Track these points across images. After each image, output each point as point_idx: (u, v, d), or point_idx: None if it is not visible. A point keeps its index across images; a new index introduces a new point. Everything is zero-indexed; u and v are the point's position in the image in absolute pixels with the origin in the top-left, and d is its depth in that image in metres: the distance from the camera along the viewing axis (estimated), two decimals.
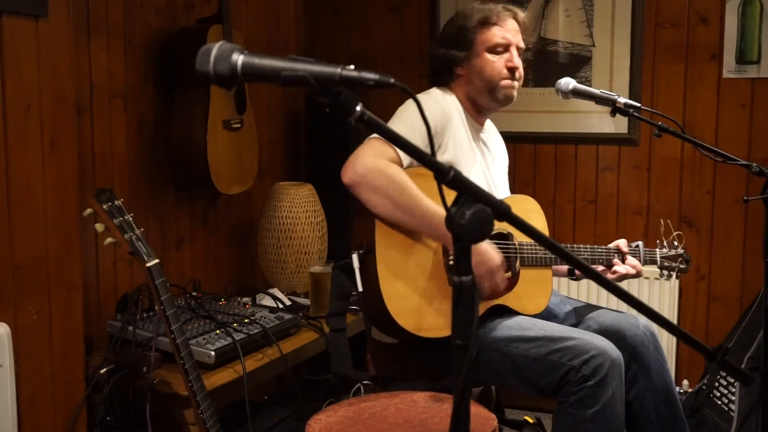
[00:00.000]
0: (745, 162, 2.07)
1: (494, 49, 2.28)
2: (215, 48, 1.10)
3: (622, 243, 2.37)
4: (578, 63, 3.45)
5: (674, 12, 3.32)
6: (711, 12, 3.26)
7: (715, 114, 3.29)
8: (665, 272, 2.46)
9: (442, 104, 2.24)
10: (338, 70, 1.06)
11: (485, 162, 2.37)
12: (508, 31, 2.29)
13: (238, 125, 3.06)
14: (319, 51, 3.91)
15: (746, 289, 3.28)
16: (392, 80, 1.08)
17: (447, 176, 1.09)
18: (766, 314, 1.99)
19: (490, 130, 2.50)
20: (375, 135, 2.07)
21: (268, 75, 1.09)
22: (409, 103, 2.21)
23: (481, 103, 2.33)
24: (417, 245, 2.06)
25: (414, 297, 2.02)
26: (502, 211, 1.11)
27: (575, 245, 2.36)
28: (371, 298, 2.02)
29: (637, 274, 2.34)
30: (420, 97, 2.27)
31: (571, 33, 3.47)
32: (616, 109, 2.22)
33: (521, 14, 2.34)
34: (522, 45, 2.33)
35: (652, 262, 2.43)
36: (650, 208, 3.42)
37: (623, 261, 2.35)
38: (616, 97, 2.21)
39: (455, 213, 1.08)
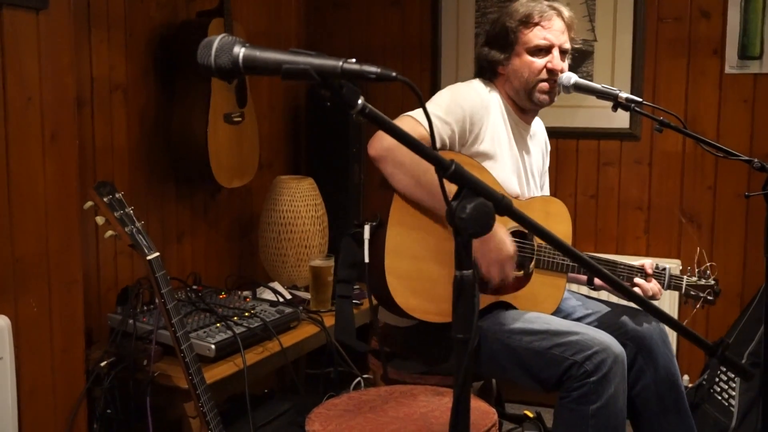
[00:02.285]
0: (746, 157, 2.07)
1: (535, 51, 2.22)
2: (216, 41, 1.10)
3: (647, 263, 2.31)
4: (580, 58, 3.44)
5: (676, 6, 3.31)
6: (713, 6, 3.25)
7: (716, 109, 3.28)
8: (689, 300, 2.38)
9: (482, 95, 2.22)
10: (340, 63, 1.06)
11: (524, 162, 2.33)
12: (551, 31, 2.22)
13: (239, 119, 3.05)
14: (321, 44, 3.90)
15: (747, 285, 3.28)
16: (394, 73, 1.07)
17: (448, 170, 1.09)
18: (766, 310, 1.99)
19: (538, 133, 2.46)
20: (408, 113, 2.06)
21: (270, 68, 1.09)
22: (450, 87, 2.21)
23: (520, 104, 2.30)
24: (432, 228, 2.05)
25: (417, 278, 2.02)
26: (503, 205, 1.11)
27: (597, 255, 2.32)
28: (375, 271, 2.02)
29: (652, 297, 2.29)
30: (462, 84, 2.26)
31: None
32: (617, 103, 2.21)
33: (567, 13, 2.26)
34: (567, 46, 2.26)
35: (677, 288, 2.36)
36: (651, 202, 3.42)
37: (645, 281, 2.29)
38: (618, 91, 2.21)
39: (456, 206, 1.08)
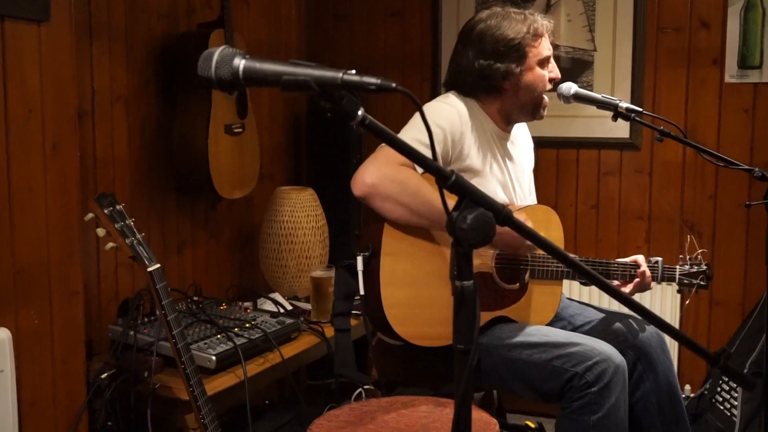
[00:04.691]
0: (747, 166, 2.08)
1: (543, 62, 2.22)
2: (217, 53, 1.11)
3: (640, 258, 2.30)
4: (580, 67, 3.45)
5: (676, 16, 3.32)
6: (713, 16, 3.25)
7: (716, 118, 3.29)
8: (683, 289, 2.39)
9: (460, 109, 2.16)
10: (340, 74, 1.06)
11: (509, 171, 2.31)
12: (549, 42, 2.23)
13: (240, 129, 3.06)
14: (321, 55, 3.91)
15: (748, 294, 3.28)
16: (394, 85, 1.08)
17: (448, 180, 1.10)
18: None
19: (519, 135, 2.43)
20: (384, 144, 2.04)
21: (270, 79, 1.09)
22: (429, 106, 2.18)
23: (517, 117, 2.28)
24: (425, 253, 2.05)
25: (414, 305, 2.02)
26: (503, 215, 1.11)
27: (590, 258, 2.32)
28: (372, 302, 2.01)
29: (645, 288, 2.29)
30: (438, 102, 2.21)
31: (572, 37, 3.47)
32: (618, 113, 2.21)
33: (549, 23, 2.26)
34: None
35: (671, 279, 2.36)
36: (652, 212, 3.42)
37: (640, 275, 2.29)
38: (618, 101, 2.21)
39: (457, 217, 1.08)
